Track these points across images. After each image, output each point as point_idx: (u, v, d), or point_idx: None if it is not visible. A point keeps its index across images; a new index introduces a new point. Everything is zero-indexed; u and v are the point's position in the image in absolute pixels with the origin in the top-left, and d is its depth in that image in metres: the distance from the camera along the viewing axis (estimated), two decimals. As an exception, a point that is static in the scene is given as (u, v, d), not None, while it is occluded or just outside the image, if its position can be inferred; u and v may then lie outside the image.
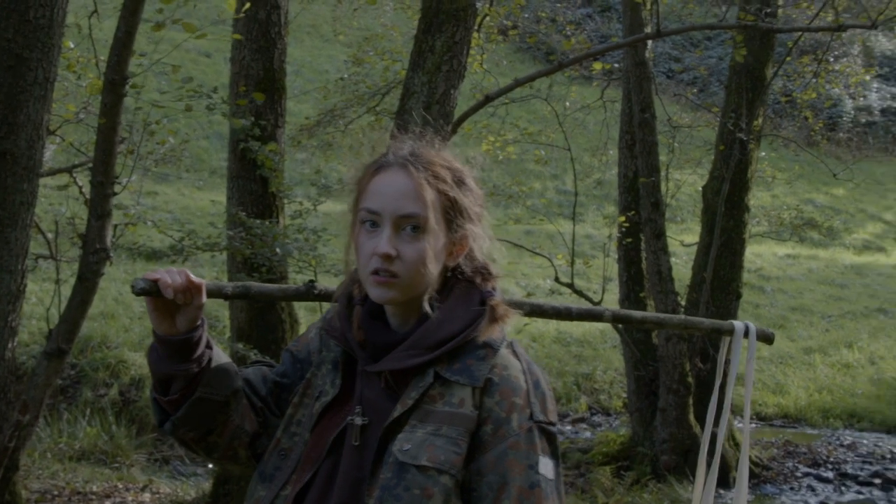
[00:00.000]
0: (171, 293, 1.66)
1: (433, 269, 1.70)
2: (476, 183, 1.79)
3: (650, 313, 2.31)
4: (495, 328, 1.73)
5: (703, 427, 8.75)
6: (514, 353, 1.74)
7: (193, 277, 1.68)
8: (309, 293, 2.02)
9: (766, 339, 2.44)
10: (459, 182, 1.75)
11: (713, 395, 2.45)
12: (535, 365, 1.74)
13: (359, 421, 1.69)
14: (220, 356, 1.77)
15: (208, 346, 1.74)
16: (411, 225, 1.68)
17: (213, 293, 1.82)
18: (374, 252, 1.68)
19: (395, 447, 1.62)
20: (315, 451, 1.71)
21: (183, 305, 1.69)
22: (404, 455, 1.61)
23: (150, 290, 1.67)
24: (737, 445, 8.75)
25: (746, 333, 2.37)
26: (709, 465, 2.38)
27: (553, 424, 1.69)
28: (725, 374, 2.51)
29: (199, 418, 1.74)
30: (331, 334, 1.80)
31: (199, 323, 1.71)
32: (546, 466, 1.65)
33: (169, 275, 1.67)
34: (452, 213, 1.72)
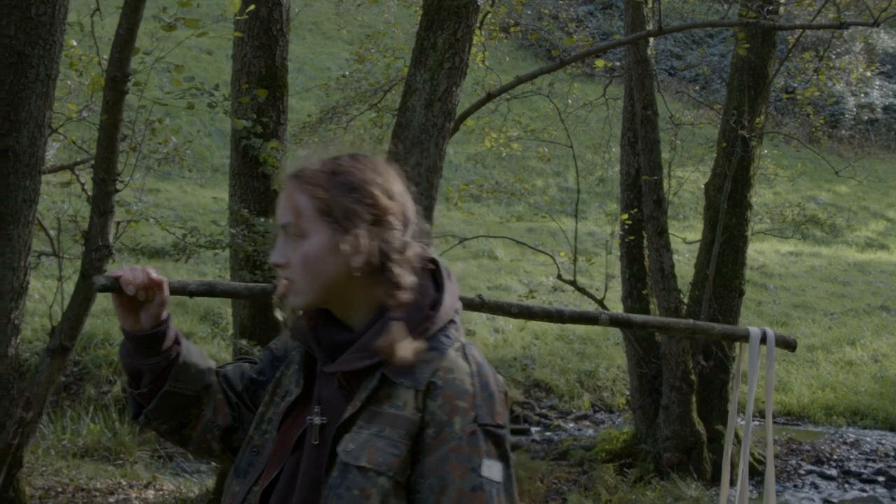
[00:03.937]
0: (132, 290, 1.72)
1: (328, 269, 1.69)
2: (382, 189, 1.72)
3: (652, 317, 2.22)
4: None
5: (706, 426, 8.76)
6: (465, 356, 1.70)
7: (153, 274, 1.74)
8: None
9: (788, 346, 2.24)
10: (342, 185, 1.70)
11: (731, 405, 2.37)
12: (488, 367, 1.71)
13: (318, 420, 1.71)
14: (191, 352, 1.82)
15: (177, 342, 1.80)
16: (291, 232, 1.72)
17: (176, 290, 1.90)
18: None
19: (341, 447, 1.64)
20: (281, 449, 1.74)
21: (146, 302, 1.76)
22: (347, 455, 1.62)
23: (111, 287, 1.74)
24: (739, 443, 8.74)
25: (764, 339, 2.20)
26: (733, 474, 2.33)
27: (502, 427, 1.66)
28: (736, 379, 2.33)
29: (171, 411, 1.81)
30: (294, 335, 1.82)
31: (163, 318, 1.77)
32: (491, 469, 1.63)
33: (130, 272, 1.74)
34: (331, 215, 1.70)
